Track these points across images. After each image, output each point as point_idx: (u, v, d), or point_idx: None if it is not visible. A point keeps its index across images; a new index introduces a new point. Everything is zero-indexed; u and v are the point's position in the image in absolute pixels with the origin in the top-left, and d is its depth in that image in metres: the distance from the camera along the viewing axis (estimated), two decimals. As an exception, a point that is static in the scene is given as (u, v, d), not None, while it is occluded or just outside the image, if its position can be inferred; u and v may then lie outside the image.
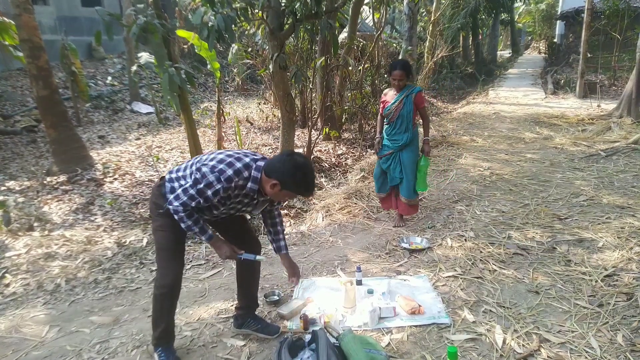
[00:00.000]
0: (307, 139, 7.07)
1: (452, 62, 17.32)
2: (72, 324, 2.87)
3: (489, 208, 4.58)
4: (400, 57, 13.15)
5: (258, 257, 2.41)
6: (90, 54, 13.28)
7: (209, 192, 2.09)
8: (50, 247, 3.89)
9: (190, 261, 3.73)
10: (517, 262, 3.43)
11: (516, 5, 28.13)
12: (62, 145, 6.14)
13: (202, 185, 2.08)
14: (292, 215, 5.23)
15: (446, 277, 3.26)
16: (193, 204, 2.11)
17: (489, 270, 3.31)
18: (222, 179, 2.08)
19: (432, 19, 14.08)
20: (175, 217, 2.14)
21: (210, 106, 11.15)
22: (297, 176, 2.10)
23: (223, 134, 6.89)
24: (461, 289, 3.07)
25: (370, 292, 2.93)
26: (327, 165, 6.93)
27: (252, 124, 9.52)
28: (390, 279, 3.21)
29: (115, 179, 5.94)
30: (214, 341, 2.60)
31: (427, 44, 14.19)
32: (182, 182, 2.22)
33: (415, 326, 2.65)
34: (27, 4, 5.75)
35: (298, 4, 5.13)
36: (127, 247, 4.00)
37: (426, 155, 4.17)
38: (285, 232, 2.60)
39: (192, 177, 2.15)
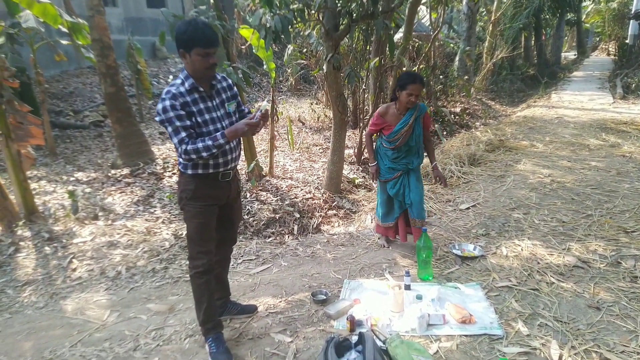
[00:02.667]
0: (357, 140, 7.06)
1: (512, 64, 16.65)
2: (131, 309, 3.04)
3: (548, 217, 4.36)
4: (457, 58, 12.86)
5: (263, 105, 2.34)
6: (154, 53, 13.95)
7: (172, 114, 2.21)
8: (113, 236, 4.13)
9: (242, 256, 3.83)
10: (577, 276, 3.24)
11: (584, 4, 26.55)
12: (126, 139, 6.50)
13: (166, 122, 2.23)
14: (340, 215, 5.25)
15: (500, 287, 3.14)
16: (183, 134, 2.22)
17: (547, 283, 3.16)
18: (165, 97, 2.23)
19: (492, 18, 13.61)
20: (194, 156, 2.24)
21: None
22: (188, 31, 2.18)
23: (275, 132, 7.01)
24: (515, 300, 2.95)
25: (419, 297, 2.88)
26: (377, 167, 6.87)
27: (303, 123, 9.63)
28: (440, 286, 3.13)
29: (174, 173, 6.21)
30: (262, 335, 2.66)
31: (487, 44, 13.74)
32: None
33: (466, 335, 2.57)
34: (99, 6, 6.13)
35: (354, 5, 5.13)
36: (183, 239, 4.18)
37: (443, 184, 3.65)
38: None
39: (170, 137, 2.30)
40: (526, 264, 3.43)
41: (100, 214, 4.73)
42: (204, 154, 2.23)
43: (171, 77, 12.61)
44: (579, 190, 5.06)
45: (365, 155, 7.15)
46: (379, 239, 4.03)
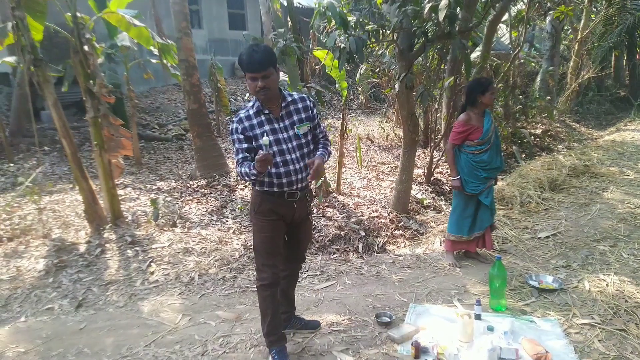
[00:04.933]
0: (427, 160, 6.91)
1: (600, 84, 15.50)
2: (201, 315, 3.18)
3: (638, 252, 3.96)
4: (539, 77, 12.23)
5: (264, 141, 2.25)
6: (233, 72, 14.74)
7: (234, 137, 2.42)
8: (188, 243, 4.36)
9: (307, 271, 3.87)
10: (674, 319, 2.90)
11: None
12: (204, 153, 6.89)
13: (231, 142, 2.48)
14: (407, 236, 5.13)
15: (581, 324, 2.89)
16: (240, 156, 2.40)
17: (636, 324, 2.86)
18: (234, 119, 2.44)
19: (578, 37, 12.82)
20: (240, 178, 2.45)
21: (334, 122, 11.53)
22: (241, 55, 2.31)
23: (345, 150, 7.06)
24: (599, 340, 2.70)
25: (491, 329, 2.73)
26: (447, 188, 6.67)
27: (372, 141, 9.60)
28: (514, 319, 2.94)
29: (246, 186, 6.46)
30: (324, 352, 2.66)
31: (572, 63, 12.93)
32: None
33: (541, 375, 2.39)
34: (187, 29, 6.61)
35: (430, 24, 5.08)
36: (251, 250, 4.29)
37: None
38: (328, 149, 2.64)
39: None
40: (612, 301, 3.13)
41: (178, 221, 5.02)
42: (247, 178, 2.36)
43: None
44: (677, 223, 4.56)
45: (435, 175, 6.97)
46: (449, 262, 3.91)
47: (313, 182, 2.80)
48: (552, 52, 11.97)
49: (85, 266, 3.99)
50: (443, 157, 7.35)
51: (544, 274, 3.60)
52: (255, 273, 2.59)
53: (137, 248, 4.24)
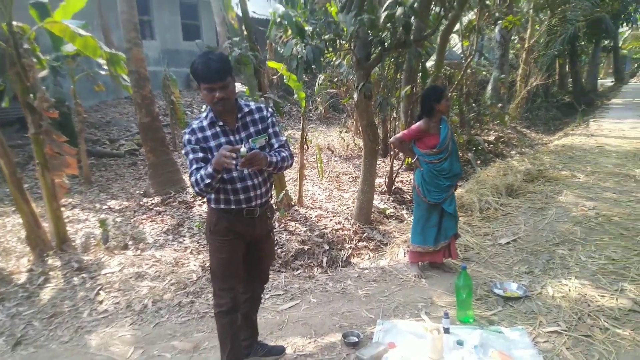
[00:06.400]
0: (388, 169, 6.91)
1: (547, 91, 16.27)
2: (155, 347, 2.93)
3: (595, 254, 4.05)
4: (490, 85, 12.66)
5: (242, 152, 2.07)
6: (188, 84, 14.36)
7: (188, 148, 2.25)
8: (141, 267, 4.09)
9: (270, 290, 3.70)
10: (635, 321, 2.95)
11: (621, 30, 25.91)
12: (158, 168, 6.58)
13: (184, 154, 2.30)
14: (371, 247, 5.06)
15: (548, 332, 2.88)
16: (194, 166, 2.21)
17: (600, 328, 2.88)
18: (186, 130, 2.29)
19: (525, 46, 13.40)
20: (197, 188, 2.19)
21: (293, 134, 11.43)
22: (195, 64, 2.16)
23: (305, 161, 6.96)
24: (566, 348, 2.69)
25: (460, 343, 2.66)
26: (409, 197, 6.68)
27: (333, 152, 9.56)
28: (483, 330, 2.90)
29: (204, 202, 6.20)
30: (290, 380, 2.50)
31: (520, 71, 13.48)
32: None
33: (513, 389, 2.33)
34: (137, 39, 6.33)
35: (386, 34, 5.08)
36: (209, 272, 4.09)
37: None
38: (282, 159, 2.34)
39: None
40: (575, 307, 3.16)
41: (130, 243, 4.72)
42: (202, 185, 2.15)
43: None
44: (628, 224, 4.72)
45: (396, 184, 6.98)
46: (414, 273, 3.85)
47: (273, 196, 2.63)
48: (501, 60, 12.44)
49: (26, 298, 3.64)
50: (403, 166, 7.39)
51: (508, 282, 3.60)
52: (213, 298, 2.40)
53: (85, 275, 3.92)
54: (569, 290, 3.40)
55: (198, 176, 2.16)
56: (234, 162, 2.04)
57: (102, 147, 9.35)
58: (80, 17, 6.11)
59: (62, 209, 4.76)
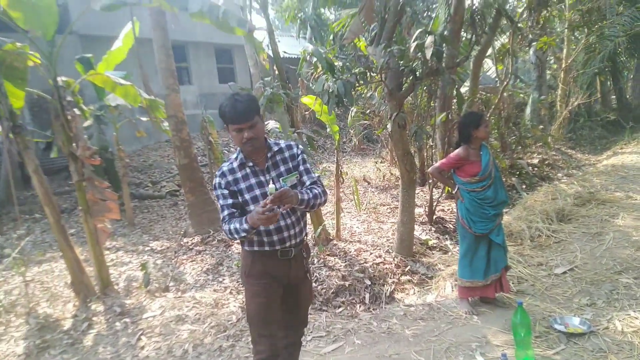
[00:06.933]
0: (428, 198, 6.70)
1: (589, 110, 15.64)
2: (196, 394, 2.84)
3: (666, 282, 3.69)
4: (529, 108, 12.31)
5: (270, 188, 2.00)
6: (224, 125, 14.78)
7: (218, 192, 2.24)
8: (181, 309, 4.05)
9: (311, 331, 3.55)
10: None
11: (664, 41, 24.83)
12: (197, 208, 6.67)
13: (215, 198, 2.28)
14: (415, 281, 4.84)
15: (621, 373, 2.59)
16: (225, 212, 2.19)
17: (683, 368, 2.56)
18: (217, 173, 2.28)
19: (563, 65, 13.03)
20: (230, 236, 2.15)
21: (329, 167, 11.42)
22: (222, 107, 2.16)
23: (342, 194, 6.87)
24: (645, 392, 2.39)
25: (522, 388, 2.41)
26: (452, 226, 6.42)
27: (369, 183, 9.44)
28: (546, 372, 2.64)
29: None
30: None
31: (559, 91, 13.07)
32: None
33: None
34: (174, 85, 6.59)
35: (417, 63, 5.04)
36: (250, 312, 4.00)
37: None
38: (315, 196, 2.23)
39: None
40: (651, 343, 2.83)
41: (171, 284, 4.72)
42: (236, 236, 2.11)
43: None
44: (700, 248, 4.31)
45: (437, 214, 6.74)
46: (464, 310, 3.61)
47: (309, 236, 2.54)
48: (539, 81, 12.14)
49: (70, 345, 3.66)
50: (443, 194, 7.16)
51: (569, 316, 3.31)
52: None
53: (127, 319, 3.92)
54: (640, 324, 3.08)
55: (232, 227, 2.12)
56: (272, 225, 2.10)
57: (144, 190, 9.64)
58: (122, 67, 6.47)
59: (107, 252, 4.86)
